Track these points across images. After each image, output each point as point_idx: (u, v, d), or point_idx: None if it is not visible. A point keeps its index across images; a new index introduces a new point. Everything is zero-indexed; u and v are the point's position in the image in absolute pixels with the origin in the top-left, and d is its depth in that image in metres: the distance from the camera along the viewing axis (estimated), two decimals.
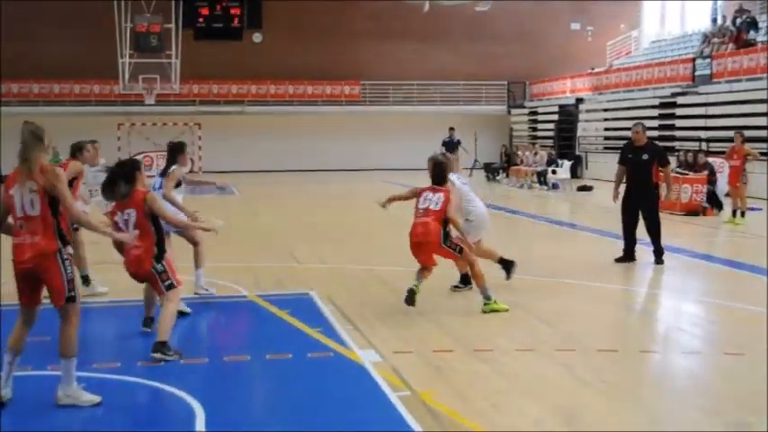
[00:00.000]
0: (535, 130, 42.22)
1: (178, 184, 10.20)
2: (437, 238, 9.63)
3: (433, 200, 9.75)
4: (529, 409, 6.40)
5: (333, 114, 43.25)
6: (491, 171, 35.68)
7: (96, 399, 6.53)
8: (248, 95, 43.17)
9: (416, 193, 9.97)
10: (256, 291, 11.04)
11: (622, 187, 13.30)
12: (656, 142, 15.97)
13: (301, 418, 6.34)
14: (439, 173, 10.01)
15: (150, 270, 7.95)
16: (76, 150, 10.60)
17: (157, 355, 7.66)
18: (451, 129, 31.31)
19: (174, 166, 10.28)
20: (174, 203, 9.75)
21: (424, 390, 6.80)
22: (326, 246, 15.71)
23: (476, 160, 37.46)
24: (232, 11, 43.36)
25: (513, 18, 44.19)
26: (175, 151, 10.46)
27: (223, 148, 42.19)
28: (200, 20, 42.63)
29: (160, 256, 7.99)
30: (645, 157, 12.96)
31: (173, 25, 36.70)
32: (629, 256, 13.10)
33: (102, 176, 13.42)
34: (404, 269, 12.49)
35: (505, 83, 44.77)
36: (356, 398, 6.94)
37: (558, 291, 11.27)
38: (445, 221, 9.67)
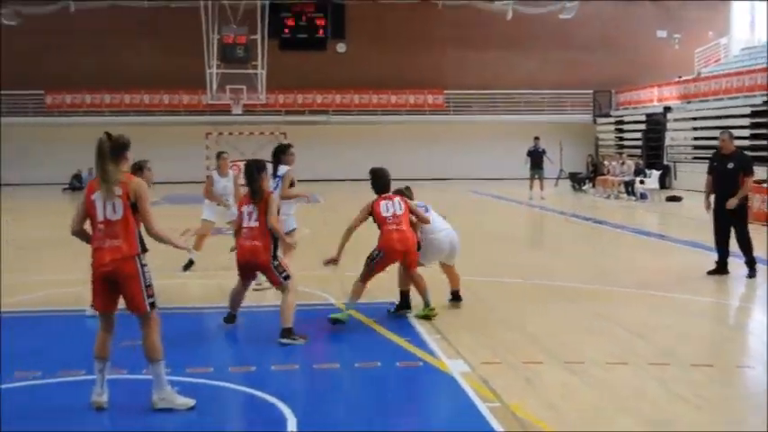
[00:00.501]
0: (622, 139, 41.57)
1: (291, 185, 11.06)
2: (414, 246, 9.93)
3: (395, 205, 9.94)
4: (623, 423, 6.30)
5: (416, 123, 43.20)
6: (577, 181, 35.24)
7: (191, 402, 6.62)
8: (332, 105, 43.44)
9: (370, 208, 10.00)
10: (344, 299, 11.07)
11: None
12: (746, 152, 15.58)
13: (390, 427, 6.34)
14: (384, 182, 10.17)
15: (269, 264, 8.80)
16: (137, 170, 10.51)
17: (285, 341, 8.55)
18: (536, 138, 31.02)
19: (283, 167, 11.05)
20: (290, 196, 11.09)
21: (513, 401, 6.74)
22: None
23: (561, 170, 37.11)
24: (316, 21, 43.72)
25: (598, 25, 43.66)
26: (279, 152, 11.45)
27: (308, 156, 42.15)
28: (286, 30, 43.08)
29: (275, 252, 8.81)
30: (731, 165, 12.64)
31: (258, 36, 37.19)
32: (721, 268, 12.79)
33: (230, 187, 13.77)
34: (492, 279, 12.47)
35: (591, 91, 44.17)
36: (445, 407, 6.95)
37: (648, 303, 11.05)
38: None
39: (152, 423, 6.41)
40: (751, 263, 12.67)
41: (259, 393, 6.99)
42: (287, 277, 8.82)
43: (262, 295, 11.19)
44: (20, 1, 38.27)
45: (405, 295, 10.31)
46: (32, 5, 37.90)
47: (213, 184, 13.59)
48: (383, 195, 10.02)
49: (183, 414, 6.53)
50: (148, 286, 6.58)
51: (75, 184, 38.29)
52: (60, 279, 12.65)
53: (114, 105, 41.91)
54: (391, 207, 9.90)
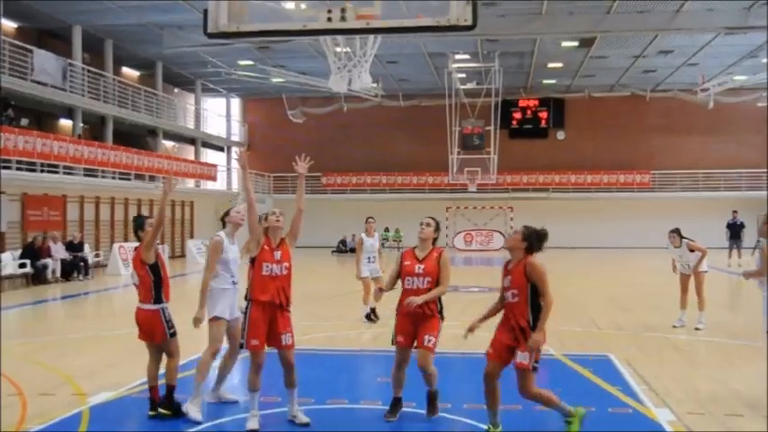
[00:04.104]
0: None
1: None
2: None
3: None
4: None
5: (625, 200, 41.92)
6: None
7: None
8: (552, 184, 42.95)
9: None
10: (562, 351, 10.77)
11: None
12: None
13: None
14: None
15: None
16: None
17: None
18: (734, 212, 29.19)
19: None
20: None
21: None
22: (622, 314, 15.08)
23: (758, 240, 34.55)
24: (540, 114, 43.66)
25: None
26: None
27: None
28: (514, 122, 43.32)
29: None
30: None
31: (491, 127, 37.50)
32: None
33: (376, 245, 13.47)
34: (695, 337, 11.72)
35: None
36: None
37: None
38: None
39: None
40: None
41: (484, 427, 6.84)
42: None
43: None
44: (305, 103, 40.79)
45: None
46: (315, 107, 40.22)
47: (363, 243, 13.42)
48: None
49: None
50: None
51: (342, 247, 39.77)
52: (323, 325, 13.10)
53: (374, 185, 43.45)
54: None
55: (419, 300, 6.87)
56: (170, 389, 7.17)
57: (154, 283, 7.11)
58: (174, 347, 7.25)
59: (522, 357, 6.31)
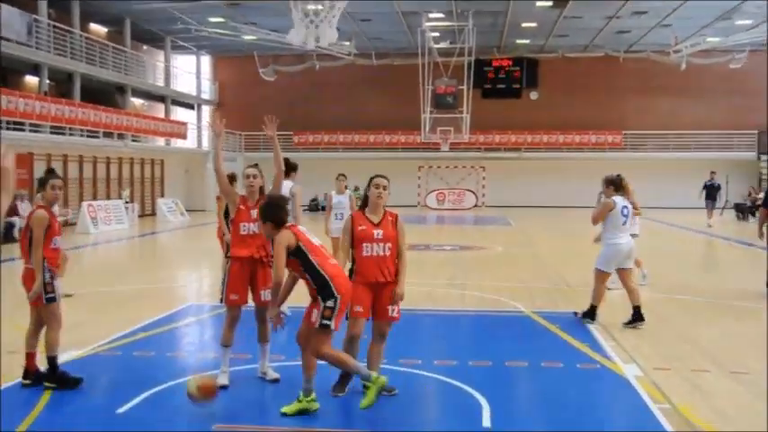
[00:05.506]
0: None
1: None
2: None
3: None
4: None
5: (597, 159, 42.11)
6: (741, 211, 33.11)
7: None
8: (525, 144, 43.05)
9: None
10: (532, 307, 10.85)
11: None
12: None
13: (571, 420, 6.07)
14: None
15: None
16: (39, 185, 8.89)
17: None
18: (713, 173, 29.41)
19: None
20: None
21: (683, 404, 6.32)
22: (591, 272, 15.16)
23: (727, 200, 35.03)
24: (513, 74, 43.52)
25: (764, 73, 40.98)
26: None
27: (503, 186, 42.51)
28: (487, 82, 43.15)
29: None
30: None
31: (465, 87, 37.36)
32: None
33: (346, 202, 13.15)
34: (664, 295, 11.84)
35: (756, 132, 41.44)
36: (620, 406, 6.59)
37: None
38: None
39: (347, 403, 6.40)
40: None
41: (458, 384, 6.89)
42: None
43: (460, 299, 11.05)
44: (277, 61, 40.31)
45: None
46: (287, 65, 39.78)
47: (332, 200, 13.13)
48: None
49: (398, 397, 6.48)
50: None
51: (313, 206, 39.66)
52: None
53: (346, 143, 43.25)
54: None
55: (402, 292, 6.44)
56: (50, 360, 6.70)
57: (29, 245, 6.74)
58: (49, 315, 6.79)
59: (315, 316, 6.20)
